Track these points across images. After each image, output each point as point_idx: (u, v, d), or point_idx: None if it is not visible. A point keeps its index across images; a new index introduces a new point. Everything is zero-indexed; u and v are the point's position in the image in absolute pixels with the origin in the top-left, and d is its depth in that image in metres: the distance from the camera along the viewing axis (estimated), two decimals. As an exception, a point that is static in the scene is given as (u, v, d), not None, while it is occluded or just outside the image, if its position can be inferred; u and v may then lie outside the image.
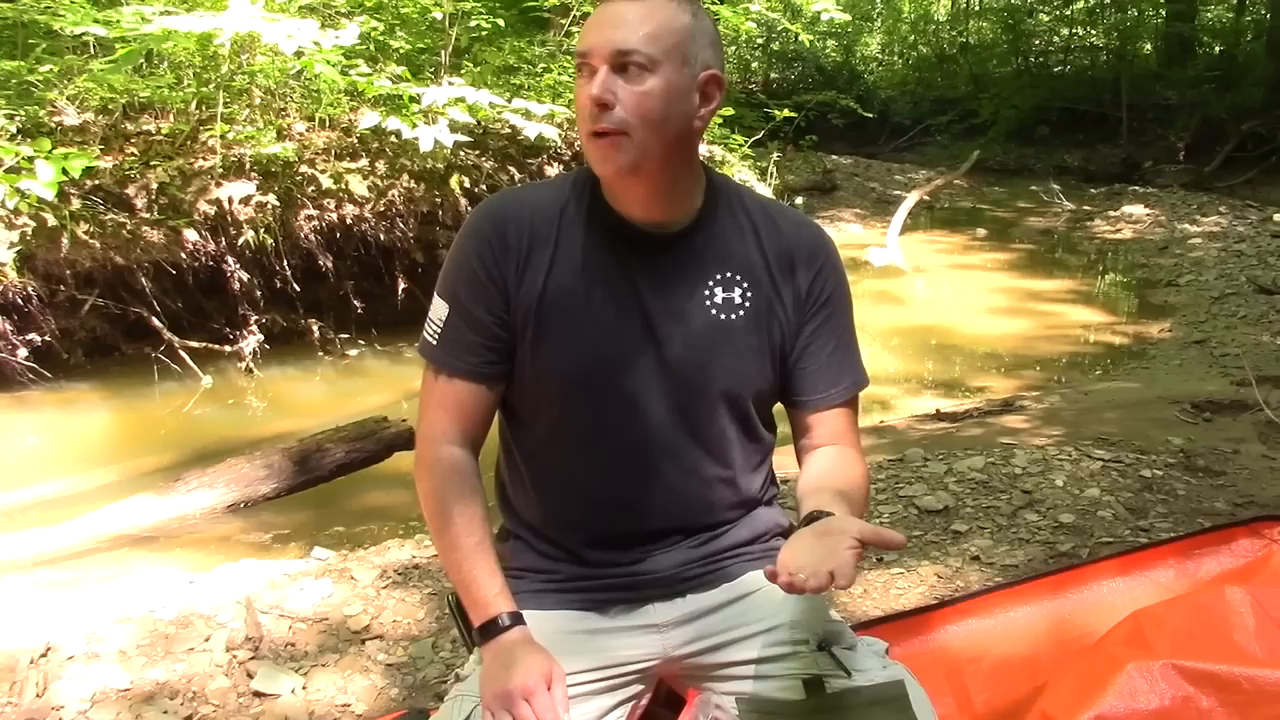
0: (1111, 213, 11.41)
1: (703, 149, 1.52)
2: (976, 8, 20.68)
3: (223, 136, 5.22)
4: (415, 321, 1.46)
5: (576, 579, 1.34)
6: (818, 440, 1.39)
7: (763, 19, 10.31)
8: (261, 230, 5.19)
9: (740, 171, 8.21)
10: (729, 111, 7.70)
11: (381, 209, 5.65)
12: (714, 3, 8.00)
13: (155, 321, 5.00)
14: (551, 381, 1.30)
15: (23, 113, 4.82)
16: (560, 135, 6.15)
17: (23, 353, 4.63)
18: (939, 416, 4.58)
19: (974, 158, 13.25)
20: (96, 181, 4.86)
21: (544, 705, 1.16)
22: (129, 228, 4.86)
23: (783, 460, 1.45)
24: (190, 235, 5.02)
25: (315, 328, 5.57)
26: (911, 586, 2.56)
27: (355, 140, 5.77)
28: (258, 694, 2.15)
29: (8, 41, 5.45)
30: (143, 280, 4.91)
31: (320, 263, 5.49)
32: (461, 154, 5.99)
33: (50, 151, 4.34)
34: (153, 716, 2.05)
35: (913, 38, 20.98)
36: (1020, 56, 18.19)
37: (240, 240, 5.15)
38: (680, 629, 1.33)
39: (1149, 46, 17.29)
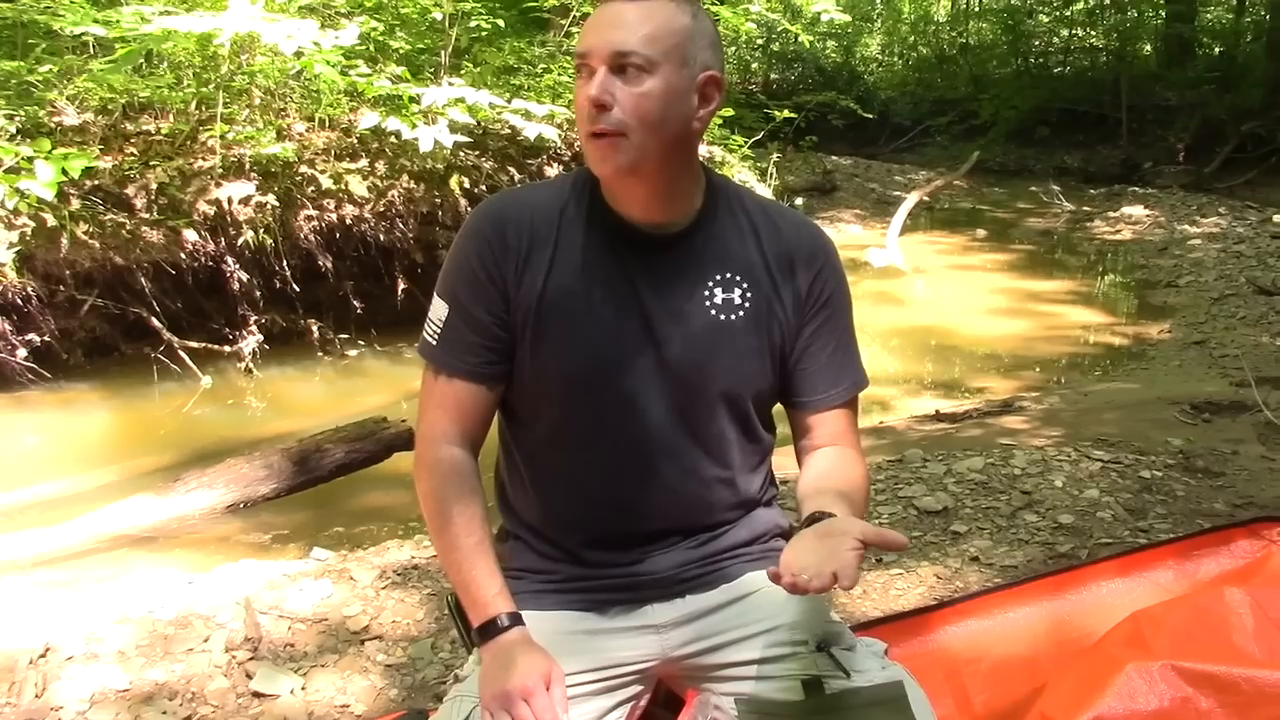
0: (1111, 214, 11.41)
1: (702, 150, 1.52)
2: (976, 9, 20.70)
3: (222, 137, 5.22)
4: (415, 322, 1.46)
5: (575, 579, 1.34)
6: (818, 441, 1.39)
7: (762, 20, 10.32)
8: (261, 230, 5.19)
9: (740, 172, 8.22)
10: (729, 112, 7.71)
11: (381, 209, 5.65)
12: (714, 3, 8.00)
13: (155, 322, 5.00)
14: (551, 382, 1.30)
15: (22, 113, 4.82)
16: (560, 136, 6.15)
17: (22, 353, 4.63)
18: (938, 417, 4.58)
19: (974, 159, 13.25)
20: (96, 182, 4.86)
21: (543, 706, 1.16)
22: (128, 228, 4.86)
23: (782, 461, 1.45)
24: (190, 235, 5.02)
25: (315, 328, 5.57)
26: (911, 587, 2.56)
27: (355, 141, 5.77)
28: (257, 694, 2.15)
29: (7, 41, 5.45)
30: (142, 280, 4.91)
31: (320, 263, 5.49)
32: (461, 154, 5.99)
33: (50, 152, 4.34)
34: (152, 717, 2.05)
35: (913, 38, 20.99)
36: (1020, 57, 18.20)
37: (240, 240, 5.15)
38: (679, 630, 1.33)
39: (1149, 47, 17.30)
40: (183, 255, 5.00)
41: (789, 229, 1.37)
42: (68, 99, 5.21)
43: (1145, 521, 2.87)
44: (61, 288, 4.72)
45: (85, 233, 4.71)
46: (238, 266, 5.22)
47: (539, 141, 5.83)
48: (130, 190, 4.98)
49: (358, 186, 5.58)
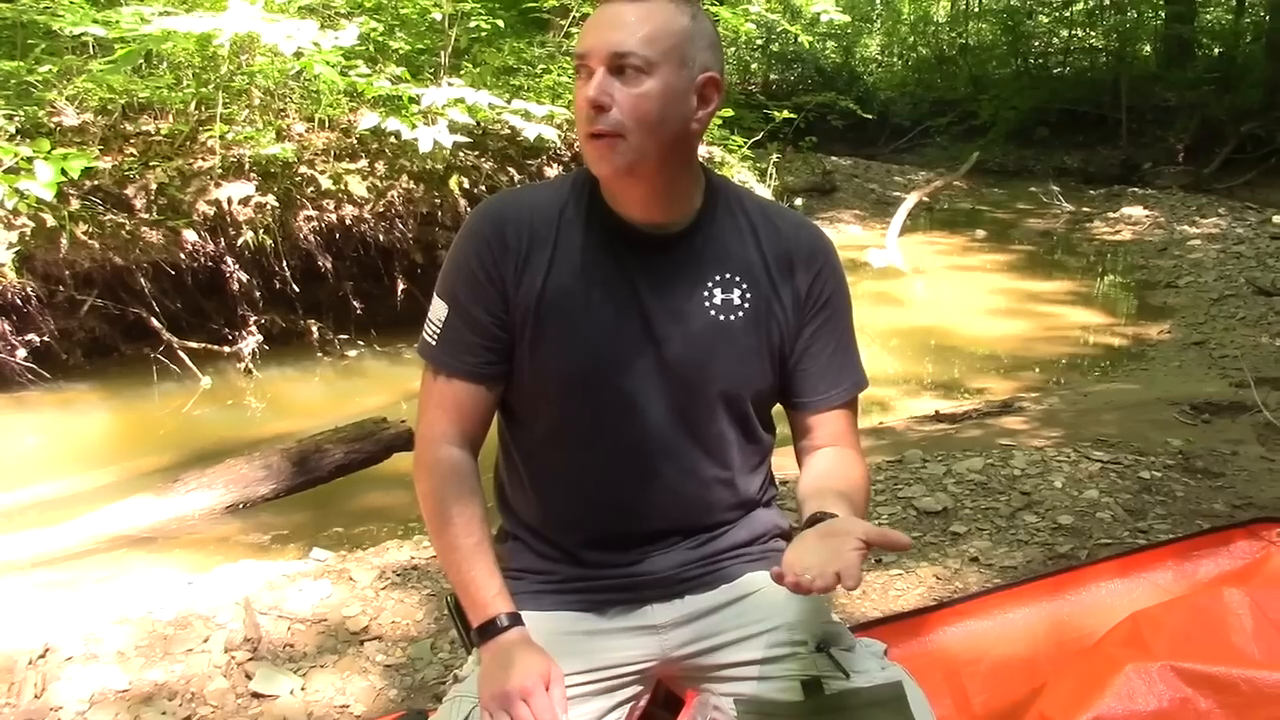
0: (1111, 214, 11.42)
1: (702, 150, 1.52)
2: (976, 9, 20.70)
3: (222, 137, 5.22)
4: (414, 322, 1.46)
5: (575, 580, 1.34)
6: (818, 442, 1.39)
7: (762, 20, 10.32)
8: (261, 231, 5.19)
9: (739, 173, 8.22)
10: (728, 113, 7.71)
11: (381, 210, 5.65)
12: (713, 3, 8.00)
13: (154, 322, 5.00)
14: (550, 382, 1.30)
15: (22, 113, 4.82)
16: (559, 136, 6.15)
17: (22, 353, 4.63)
18: (938, 418, 4.58)
19: (973, 159, 13.26)
20: (95, 182, 4.86)
21: (542, 706, 1.16)
22: (128, 228, 4.86)
23: (782, 461, 1.45)
24: (189, 236, 5.02)
25: (314, 328, 5.57)
26: (910, 588, 2.56)
27: (354, 141, 5.77)
28: (256, 695, 2.15)
29: (7, 42, 5.44)
30: (142, 281, 4.91)
31: (319, 263, 5.49)
32: (461, 155, 5.99)
33: (49, 152, 4.34)
34: (151, 717, 2.05)
35: (912, 39, 20.99)
36: (1020, 58, 18.20)
37: (239, 241, 5.15)
38: (679, 630, 1.33)
39: (1148, 48, 17.30)
40: (182, 255, 5.00)
41: (788, 229, 1.37)
42: (67, 99, 5.21)
43: (1145, 522, 2.87)
44: (61, 288, 4.72)
45: (85, 233, 4.71)
46: (237, 267, 5.22)
47: (538, 142, 5.83)
48: (130, 190, 4.98)
49: (357, 187, 5.58)
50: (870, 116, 13.82)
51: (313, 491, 3.69)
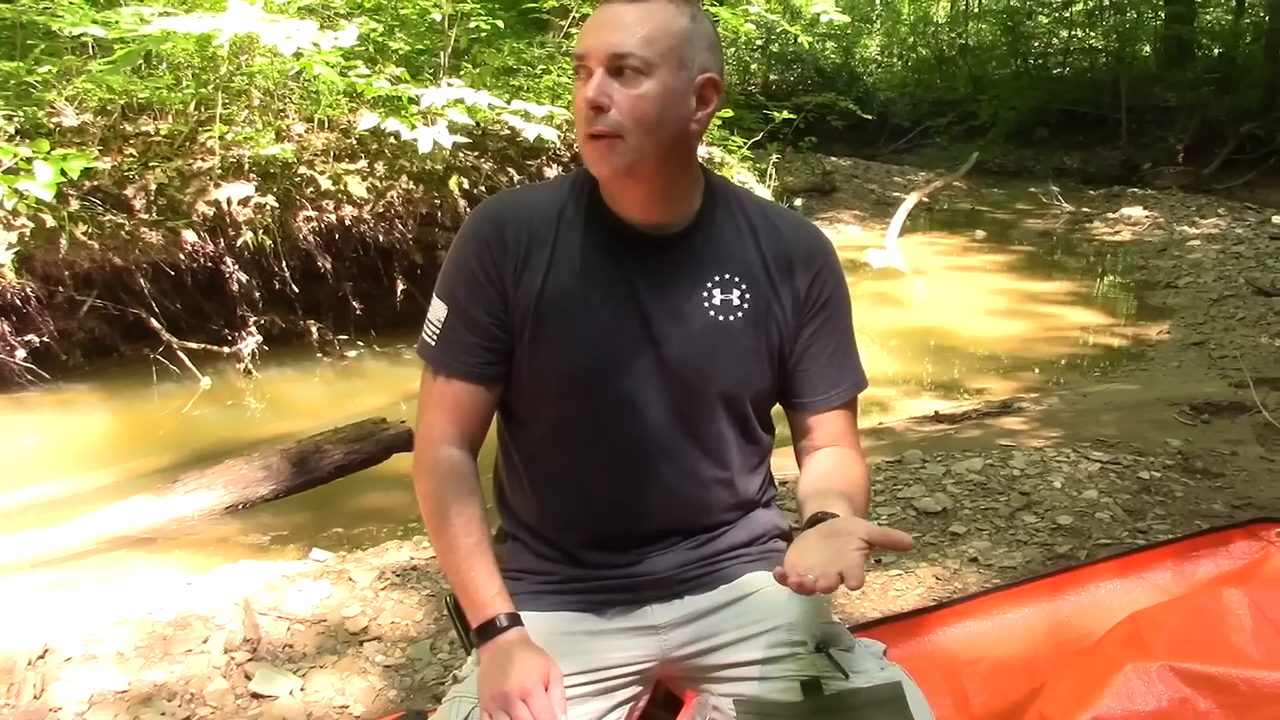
0: (1110, 215, 11.42)
1: (701, 151, 1.53)
2: (976, 10, 20.70)
3: (221, 138, 5.22)
4: (414, 323, 1.46)
5: (574, 580, 1.34)
6: (818, 442, 1.39)
7: (762, 21, 10.32)
8: (260, 231, 5.19)
9: (739, 173, 8.22)
10: (728, 113, 7.70)
11: (380, 210, 5.65)
12: (713, 4, 8.00)
13: (154, 323, 5.00)
14: (549, 382, 1.30)
15: (21, 113, 4.81)
16: (559, 137, 6.15)
17: (21, 354, 4.63)
18: (937, 418, 4.58)
19: (973, 159, 13.26)
20: (95, 182, 4.86)
21: (541, 706, 1.16)
22: (127, 229, 4.85)
23: (782, 461, 1.45)
24: (189, 236, 5.02)
25: (314, 329, 5.57)
26: (909, 588, 2.56)
27: (354, 141, 5.77)
28: (256, 695, 2.15)
29: (6, 42, 5.44)
30: (141, 281, 4.91)
31: (319, 264, 5.49)
32: (460, 155, 5.98)
33: (49, 152, 4.34)
34: (150, 718, 2.05)
35: (912, 39, 20.99)
36: (1019, 58, 18.21)
37: (239, 241, 5.15)
38: (678, 630, 1.33)
39: (1148, 49, 17.30)
40: (182, 256, 5.00)
41: (788, 230, 1.37)
42: (67, 100, 5.21)
43: (1144, 522, 2.88)
44: (60, 288, 4.72)
45: (84, 233, 4.71)
46: (237, 267, 5.22)
47: (538, 142, 5.83)
48: (129, 191, 4.97)
49: (357, 187, 5.58)
50: (870, 117, 13.81)
51: (312, 492, 3.69)
